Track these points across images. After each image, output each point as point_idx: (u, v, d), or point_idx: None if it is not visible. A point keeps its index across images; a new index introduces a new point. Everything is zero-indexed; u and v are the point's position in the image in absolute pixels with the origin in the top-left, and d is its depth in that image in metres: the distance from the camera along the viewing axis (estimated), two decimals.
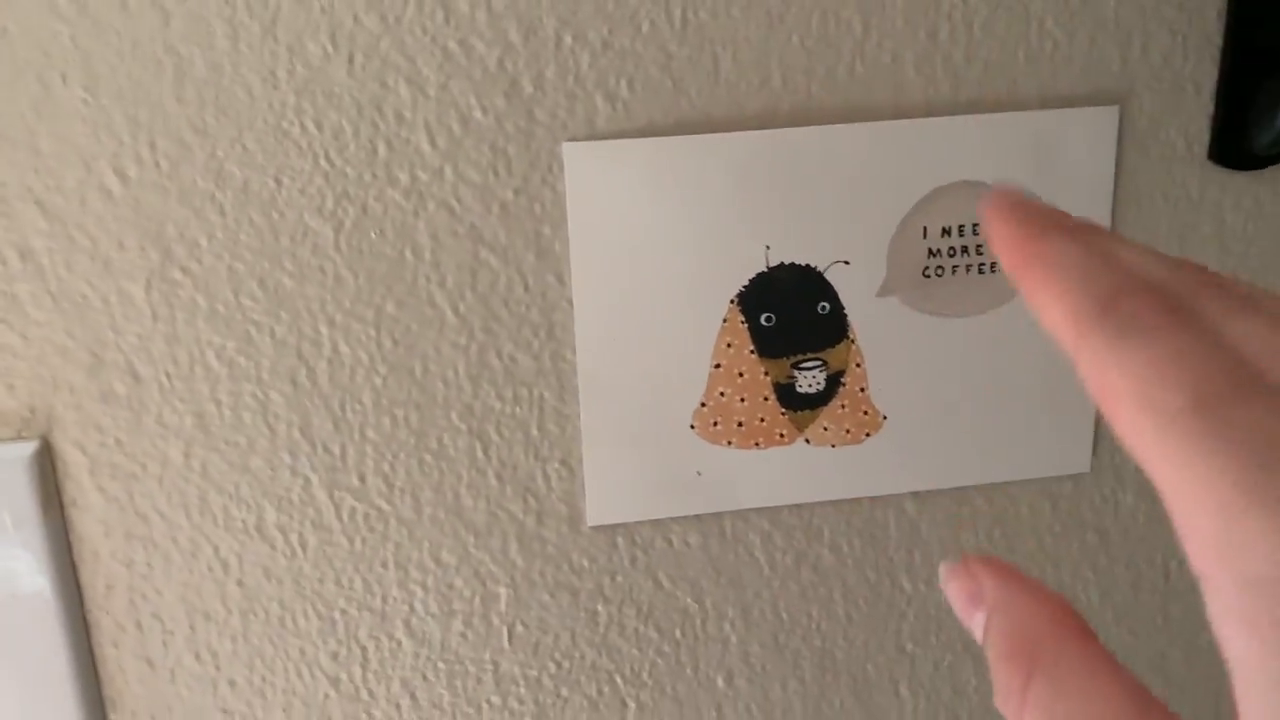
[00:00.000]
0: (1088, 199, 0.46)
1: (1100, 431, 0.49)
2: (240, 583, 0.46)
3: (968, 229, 0.45)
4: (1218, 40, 0.45)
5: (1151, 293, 0.23)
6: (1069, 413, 0.48)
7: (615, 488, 0.47)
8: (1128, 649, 0.54)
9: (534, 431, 0.46)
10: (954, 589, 0.29)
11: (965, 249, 0.45)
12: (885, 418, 0.47)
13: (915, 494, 0.49)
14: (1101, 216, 0.46)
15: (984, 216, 0.30)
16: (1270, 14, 0.44)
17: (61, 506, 0.44)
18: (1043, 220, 0.29)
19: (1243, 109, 0.46)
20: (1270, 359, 0.22)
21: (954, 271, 0.45)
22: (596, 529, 0.48)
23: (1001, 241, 0.30)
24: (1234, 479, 0.19)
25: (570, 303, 0.44)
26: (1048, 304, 0.25)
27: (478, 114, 0.41)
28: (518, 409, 0.45)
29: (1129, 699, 0.23)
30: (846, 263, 0.45)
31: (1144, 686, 0.23)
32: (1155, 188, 0.47)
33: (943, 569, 0.29)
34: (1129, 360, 0.22)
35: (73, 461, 0.43)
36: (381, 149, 0.41)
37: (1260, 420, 0.19)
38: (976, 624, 0.27)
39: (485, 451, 0.46)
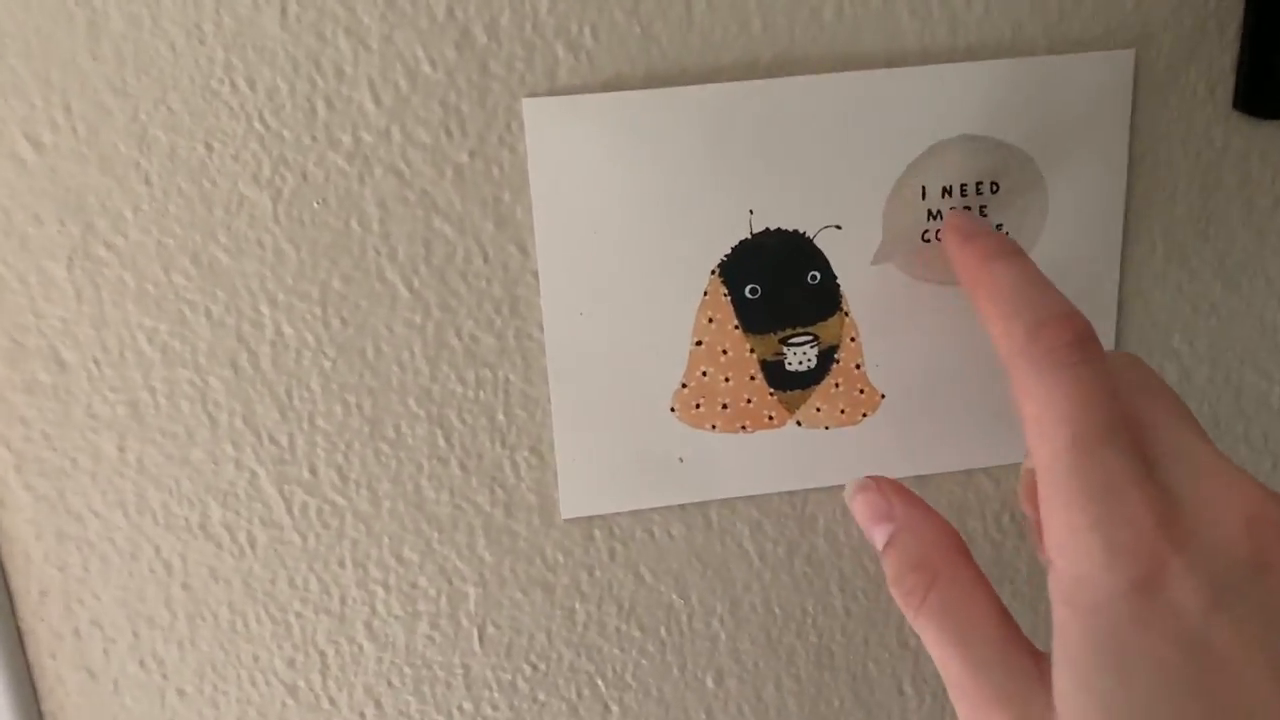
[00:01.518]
0: (1100, 152, 0.42)
1: None
2: (185, 585, 0.43)
3: (970, 188, 0.41)
4: None
5: (1070, 322, 0.29)
6: None
7: (590, 476, 0.43)
8: None
9: (500, 417, 0.42)
10: (861, 502, 0.35)
11: (969, 209, 0.41)
12: (883, 396, 0.44)
13: (917, 478, 0.46)
14: (1116, 171, 0.42)
15: (944, 237, 0.36)
16: None
17: None
18: (990, 245, 0.34)
19: (1271, 51, 0.42)
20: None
21: None
22: (571, 521, 0.44)
23: (955, 263, 0.36)
24: (1079, 505, 0.26)
25: (535, 275, 0.41)
26: (989, 325, 0.31)
27: (426, 68, 0.38)
28: (481, 392, 0.42)
29: (998, 616, 0.29)
30: (838, 227, 0.41)
31: (1005, 607, 0.30)
32: (1174, 139, 0.43)
33: (850, 484, 0.37)
34: (1037, 392, 0.28)
35: None
36: (321, 109, 0.38)
37: (1109, 461, 0.26)
38: (878, 535, 0.34)
39: (447, 439, 0.42)
